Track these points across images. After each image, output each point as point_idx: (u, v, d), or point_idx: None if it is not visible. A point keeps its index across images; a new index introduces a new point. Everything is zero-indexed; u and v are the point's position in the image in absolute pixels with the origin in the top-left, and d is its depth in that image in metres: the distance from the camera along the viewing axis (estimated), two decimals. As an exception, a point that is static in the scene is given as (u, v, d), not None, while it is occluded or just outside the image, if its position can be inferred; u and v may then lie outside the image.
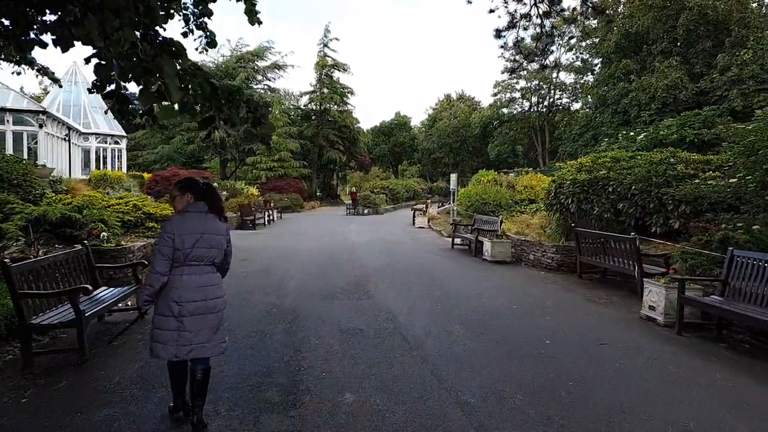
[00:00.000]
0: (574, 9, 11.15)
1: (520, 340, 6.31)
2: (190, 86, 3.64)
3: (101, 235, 10.12)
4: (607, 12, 38.11)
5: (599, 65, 41.14)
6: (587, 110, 46.44)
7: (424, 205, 26.29)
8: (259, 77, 47.95)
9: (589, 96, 42.09)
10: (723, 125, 14.12)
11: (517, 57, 12.58)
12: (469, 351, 5.88)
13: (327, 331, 6.59)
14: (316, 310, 7.74)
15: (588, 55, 43.61)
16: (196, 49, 6.97)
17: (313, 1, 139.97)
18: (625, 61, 35.98)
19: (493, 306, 8.14)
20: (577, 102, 52.81)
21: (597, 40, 41.35)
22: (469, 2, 11.44)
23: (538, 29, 12.09)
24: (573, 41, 48.74)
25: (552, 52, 12.62)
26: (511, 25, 11.99)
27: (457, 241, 16.50)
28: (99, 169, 29.80)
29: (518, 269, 12.20)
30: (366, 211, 33.72)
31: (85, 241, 7.95)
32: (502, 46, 13.75)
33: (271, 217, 27.19)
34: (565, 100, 52.81)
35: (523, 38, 12.05)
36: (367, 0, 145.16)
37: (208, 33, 6.74)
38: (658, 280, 7.36)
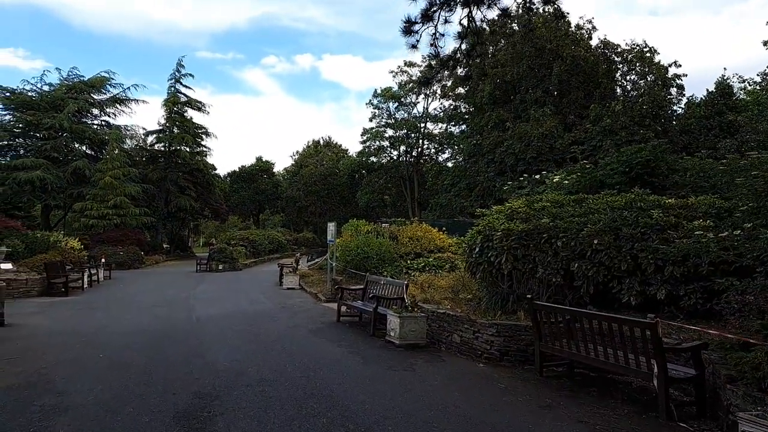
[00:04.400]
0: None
1: None
2: None
3: None
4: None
5: (471, 114, 40.35)
6: (458, 159, 45.59)
7: (294, 260, 21.98)
8: (96, 111, 41.08)
9: (462, 145, 41.04)
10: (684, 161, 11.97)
11: (434, 63, 9.14)
12: None
13: None
14: None
15: (460, 103, 42.89)
16: None
17: (168, 41, 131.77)
18: (499, 111, 35.19)
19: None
20: (443, 153, 52.27)
21: (467, 89, 40.75)
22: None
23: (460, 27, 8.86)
24: (440, 91, 48.37)
25: (480, 55, 9.35)
26: (427, 17, 8.62)
27: (343, 308, 12.43)
28: None
29: (444, 361, 8.41)
30: (221, 267, 28.43)
31: None
32: (413, 46, 9.99)
33: (96, 277, 21.13)
34: (433, 151, 52.04)
35: (443, 34, 8.69)
36: (229, 44, 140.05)
37: None
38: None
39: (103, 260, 24.45)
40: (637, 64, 34.71)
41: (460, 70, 9.91)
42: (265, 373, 7.29)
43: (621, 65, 35.50)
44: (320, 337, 10.07)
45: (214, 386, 6.64)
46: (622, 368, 6.27)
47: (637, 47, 34.16)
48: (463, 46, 8.99)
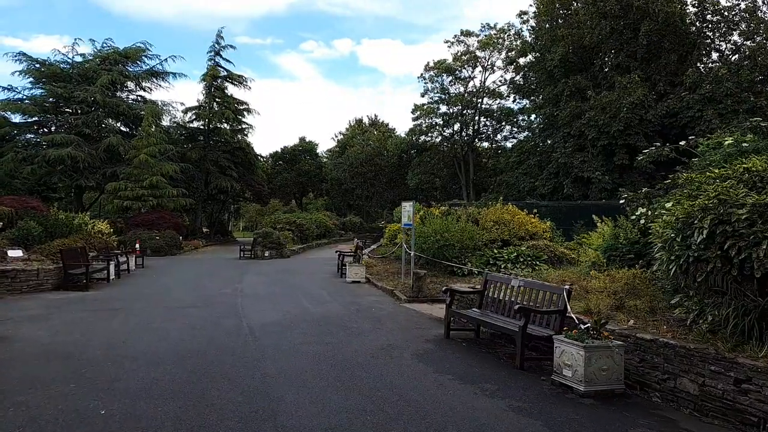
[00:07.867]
0: None
1: None
2: None
3: None
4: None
5: (540, 84, 36.01)
6: (522, 136, 41.45)
7: (354, 247, 18.54)
8: (131, 85, 38.30)
9: (534, 115, 36.81)
10: None
11: None
12: None
13: None
14: None
15: (528, 72, 38.55)
16: None
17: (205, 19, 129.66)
18: (576, 78, 30.77)
19: None
20: (502, 131, 48.02)
21: (534, 56, 36.48)
22: None
23: None
24: (499, 62, 44.12)
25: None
26: None
27: (434, 312, 8.81)
28: None
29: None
30: (267, 254, 25.25)
31: None
32: None
33: (126, 266, 18.13)
34: (491, 129, 47.83)
35: None
36: (274, 25, 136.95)
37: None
38: None
39: (137, 246, 21.57)
40: (742, 23, 29.74)
41: None
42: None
43: (721, 24, 30.56)
44: (441, 372, 6.49)
45: None
46: None
47: (743, 2, 29.21)
48: None
